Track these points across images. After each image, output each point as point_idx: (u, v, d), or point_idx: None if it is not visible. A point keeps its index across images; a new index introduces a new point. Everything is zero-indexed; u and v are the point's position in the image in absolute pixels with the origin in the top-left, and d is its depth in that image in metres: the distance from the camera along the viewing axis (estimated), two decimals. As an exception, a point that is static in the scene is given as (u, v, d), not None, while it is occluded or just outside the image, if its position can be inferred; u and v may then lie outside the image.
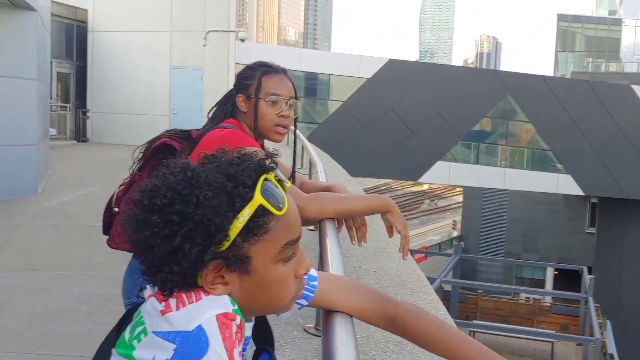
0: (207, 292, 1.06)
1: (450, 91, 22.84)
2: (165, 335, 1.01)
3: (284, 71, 2.25)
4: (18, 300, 5.06)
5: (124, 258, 2.32)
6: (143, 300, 1.15)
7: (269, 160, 1.14)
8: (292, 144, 2.49)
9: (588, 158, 23.18)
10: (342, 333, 1.27)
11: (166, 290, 1.06)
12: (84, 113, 19.72)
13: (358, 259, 3.17)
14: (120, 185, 2.23)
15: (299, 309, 1.41)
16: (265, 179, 1.10)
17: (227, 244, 1.05)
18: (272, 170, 1.13)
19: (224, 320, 1.02)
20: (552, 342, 17.02)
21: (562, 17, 42.60)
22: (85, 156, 15.92)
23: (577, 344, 17.25)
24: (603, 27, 41.85)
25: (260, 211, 1.07)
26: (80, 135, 19.67)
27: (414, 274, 2.86)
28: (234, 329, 1.02)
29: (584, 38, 41.72)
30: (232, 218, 1.05)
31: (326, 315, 1.38)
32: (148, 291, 1.12)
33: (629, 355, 21.85)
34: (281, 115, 2.16)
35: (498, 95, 23.43)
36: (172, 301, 1.05)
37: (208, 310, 1.02)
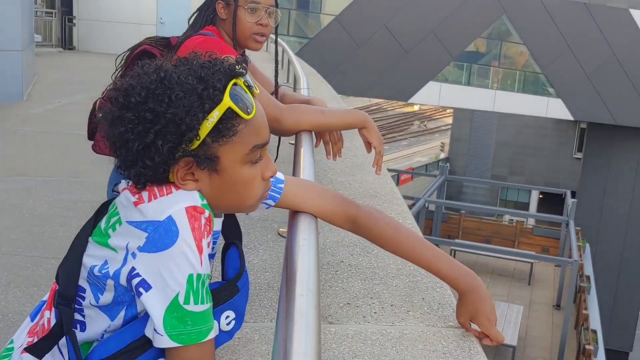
0: (177, 187, 1.13)
1: (446, 9, 22.39)
2: (138, 225, 1.09)
3: None
4: (5, 203, 5.14)
5: (109, 166, 2.38)
6: (118, 194, 1.22)
7: (239, 66, 1.19)
8: (275, 56, 2.50)
9: (580, 83, 23.07)
10: (305, 228, 1.36)
11: (139, 184, 1.13)
12: (70, 20, 19.25)
13: (335, 172, 3.25)
14: (103, 93, 2.26)
15: (267, 208, 1.49)
16: (235, 84, 1.16)
17: (197, 143, 1.12)
18: (241, 75, 1.18)
19: (193, 212, 1.09)
20: (532, 263, 17.47)
21: (565, -64, 41.30)
22: (71, 64, 15.70)
23: (556, 265, 17.73)
24: (606, -52, 40.68)
25: (229, 114, 1.13)
26: (66, 42, 19.27)
27: (387, 187, 2.95)
28: (203, 221, 1.10)
29: (585, -42, 40.62)
30: (202, 118, 1.11)
31: (292, 214, 1.47)
32: (122, 185, 1.20)
33: (605, 278, 22.59)
34: (260, 24, 2.16)
35: (493, 15, 23.02)
36: (145, 194, 1.12)
37: (178, 202, 1.10)
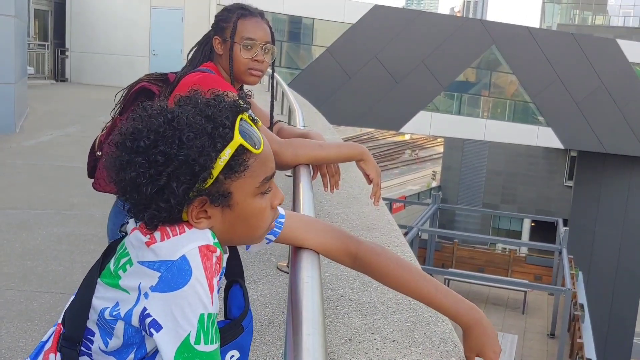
0: (189, 226, 1.13)
1: (436, 40, 22.66)
2: (151, 265, 1.08)
3: (260, 14, 2.26)
4: (-3, 237, 5.09)
5: (103, 199, 2.37)
6: (124, 234, 1.21)
7: (243, 100, 1.20)
8: (271, 89, 2.52)
9: (569, 111, 23.29)
10: (308, 266, 1.36)
11: (152, 225, 1.12)
12: (63, 52, 19.35)
13: (332, 204, 3.24)
14: (103, 130, 2.26)
15: (267, 243, 1.48)
16: (241, 119, 1.16)
17: (210, 182, 1.12)
18: (246, 110, 1.19)
19: (205, 251, 1.09)
20: (525, 292, 17.45)
21: (551, -32, 42.02)
22: (64, 96, 15.73)
23: (549, 294, 17.71)
24: (591, -21, 41.41)
25: (240, 150, 1.14)
26: (58, 74, 19.34)
27: (384, 219, 2.95)
28: (214, 260, 1.10)
29: (571, -11, 41.31)
30: (215, 157, 1.11)
31: (295, 250, 1.47)
32: (131, 225, 1.18)
33: (598, 306, 22.52)
34: (255, 60, 2.18)
35: (483, 46, 23.30)
36: (157, 234, 1.12)
37: (191, 242, 1.10)
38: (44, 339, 1.25)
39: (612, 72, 23.14)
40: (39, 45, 18.88)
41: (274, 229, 1.46)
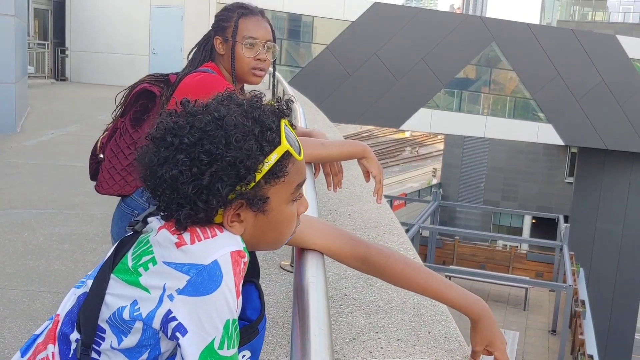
0: (221, 229, 1.11)
1: (436, 37, 22.64)
2: (179, 267, 1.06)
3: (261, 13, 2.25)
4: (-1, 237, 5.10)
5: (105, 198, 2.36)
6: (134, 232, 1.18)
7: (285, 105, 1.19)
8: (272, 87, 2.52)
9: (570, 108, 23.28)
10: (313, 266, 1.36)
11: (182, 225, 1.09)
12: (63, 51, 19.34)
13: (334, 203, 3.24)
14: (104, 132, 2.25)
15: None
16: (284, 124, 1.15)
17: (252, 185, 1.10)
18: (287, 115, 1.18)
19: (236, 257, 1.07)
20: (526, 288, 17.47)
21: (550, -36, 41.94)
22: (64, 95, 15.72)
23: (550, 290, 17.72)
24: (591, -24, 41.33)
25: (285, 156, 1.13)
26: (58, 74, 19.34)
27: (387, 217, 2.95)
28: (242, 265, 1.08)
29: (571, -14, 41.25)
30: (262, 161, 1.10)
31: (299, 250, 1.47)
32: (156, 223, 1.15)
33: (600, 302, 22.55)
34: (258, 59, 2.17)
35: (483, 43, 23.28)
36: (186, 235, 1.09)
37: (224, 246, 1.08)
38: (37, 332, 1.23)
39: (612, 68, 23.12)
40: (39, 44, 18.87)
41: None
